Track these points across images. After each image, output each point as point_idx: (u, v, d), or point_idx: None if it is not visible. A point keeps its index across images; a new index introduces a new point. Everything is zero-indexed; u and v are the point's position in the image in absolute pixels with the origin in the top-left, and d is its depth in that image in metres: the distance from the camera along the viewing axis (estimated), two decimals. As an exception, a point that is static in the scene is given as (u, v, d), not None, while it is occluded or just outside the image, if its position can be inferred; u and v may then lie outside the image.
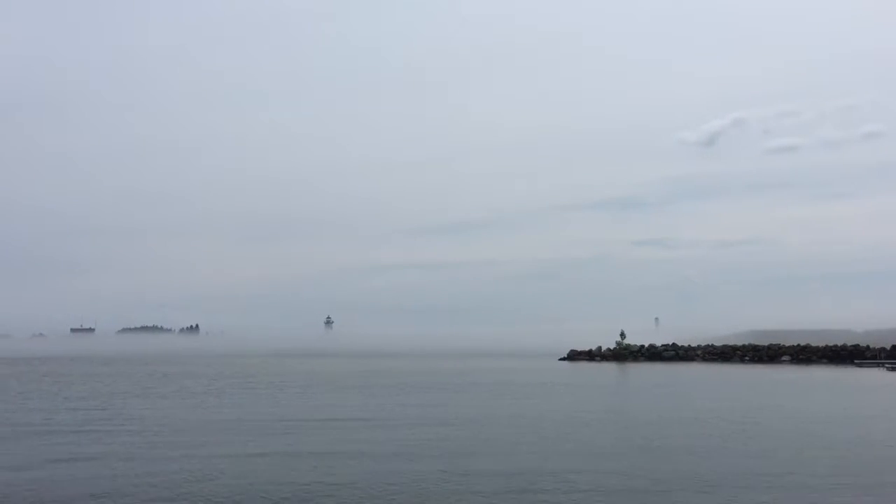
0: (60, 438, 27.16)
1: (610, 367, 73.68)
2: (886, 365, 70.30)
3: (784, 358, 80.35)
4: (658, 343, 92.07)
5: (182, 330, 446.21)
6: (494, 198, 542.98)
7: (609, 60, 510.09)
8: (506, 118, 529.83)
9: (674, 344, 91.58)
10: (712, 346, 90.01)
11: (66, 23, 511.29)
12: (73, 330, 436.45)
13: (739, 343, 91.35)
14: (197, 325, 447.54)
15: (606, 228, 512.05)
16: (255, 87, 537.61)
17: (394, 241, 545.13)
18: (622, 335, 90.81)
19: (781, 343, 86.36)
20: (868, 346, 79.05)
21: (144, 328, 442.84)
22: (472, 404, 37.90)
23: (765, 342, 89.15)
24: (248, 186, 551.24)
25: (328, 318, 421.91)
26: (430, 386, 50.45)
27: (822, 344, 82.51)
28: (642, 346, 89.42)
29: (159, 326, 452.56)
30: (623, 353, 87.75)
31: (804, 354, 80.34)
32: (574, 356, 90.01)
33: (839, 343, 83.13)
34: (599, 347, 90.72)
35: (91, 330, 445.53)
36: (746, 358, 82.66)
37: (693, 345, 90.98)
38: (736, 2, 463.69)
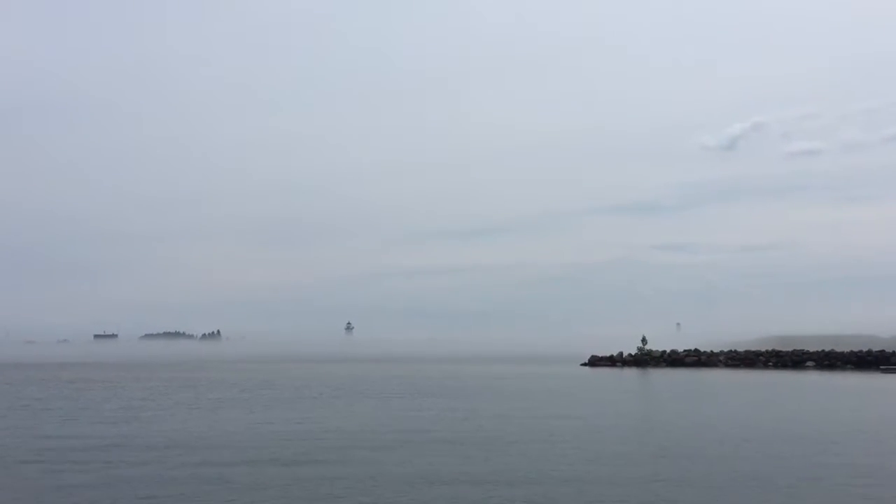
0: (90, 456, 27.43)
1: (631, 373, 73.33)
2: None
3: (808, 363, 79.48)
4: (680, 348, 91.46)
5: (203, 335, 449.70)
6: (516, 202, 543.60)
7: (630, 65, 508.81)
8: (528, 122, 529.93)
9: (696, 349, 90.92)
10: (735, 351, 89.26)
11: (82, 32, 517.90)
12: (96, 336, 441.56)
13: (762, 349, 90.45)
14: (218, 331, 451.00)
15: (628, 232, 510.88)
16: (272, 93, 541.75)
17: (416, 245, 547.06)
18: (643, 340, 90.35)
19: (805, 348, 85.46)
20: (894, 352, 77.99)
21: (167, 334, 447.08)
22: (494, 410, 37.83)
23: (788, 348, 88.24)
24: (272, 192, 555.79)
25: (348, 323, 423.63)
26: (461, 390, 50.49)
27: (846, 349, 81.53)
28: (664, 352, 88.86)
29: (181, 332, 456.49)
30: (644, 359, 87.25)
31: (829, 360, 79.40)
32: (595, 362, 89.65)
33: (864, 349, 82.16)
34: (621, 353, 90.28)
35: (114, 336, 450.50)
36: (770, 364, 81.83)
37: (715, 350, 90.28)
38: (756, 5, 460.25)
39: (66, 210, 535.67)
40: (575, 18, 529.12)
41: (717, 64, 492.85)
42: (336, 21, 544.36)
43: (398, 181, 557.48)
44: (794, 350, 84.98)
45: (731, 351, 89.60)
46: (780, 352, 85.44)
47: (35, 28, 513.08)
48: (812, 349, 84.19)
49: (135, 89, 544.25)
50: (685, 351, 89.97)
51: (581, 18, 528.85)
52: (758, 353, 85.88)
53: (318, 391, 51.12)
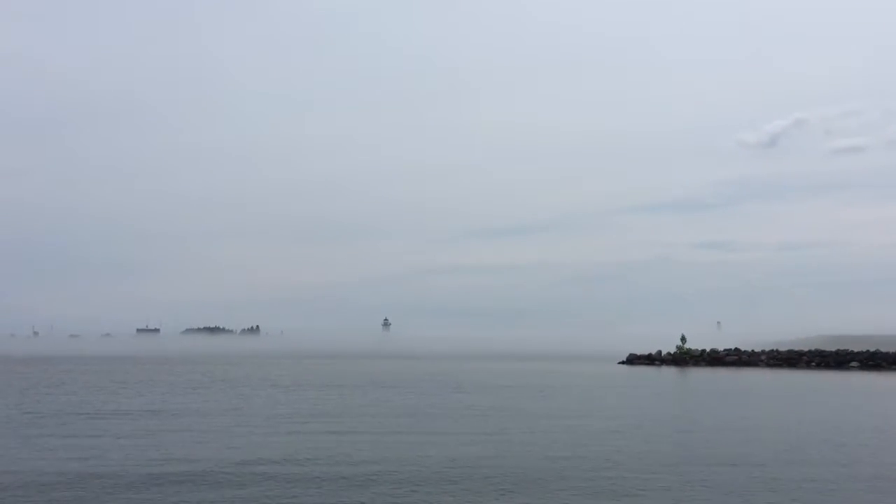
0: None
1: (670, 372, 72.76)
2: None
3: (853, 364, 78.03)
4: (720, 347, 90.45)
5: (243, 331, 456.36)
6: (555, 200, 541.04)
7: (668, 61, 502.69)
8: (566, 120, 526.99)
9: (736, 349, 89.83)
10: (777, 351, 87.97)
11: (129, 37, 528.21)
12: (139, 330, 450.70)
13: (805, 348, 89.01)
14: (257, 326, 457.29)
15: (667, 231, 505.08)
16: (311, 93, 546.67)
17: (453, 243, 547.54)
18: (683, 339, 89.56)
19: (850, 348, 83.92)
20: (942, 353, 76.24)
21: (207, 328, 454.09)
22: (534, 408, 37.99)
23: (832, 347, 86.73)
24: (313, 191, 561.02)
25: (385, 319, 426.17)
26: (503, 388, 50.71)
27: (892, 350, 79.84)
28: (703, 351, 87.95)
29: (221, 327, 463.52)
30: (684, 358, 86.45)
31: (874, 360, 77.85)
32: (633, 360, 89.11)
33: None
34: (659, 351, 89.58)
35: (156, 330, 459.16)
36: (813, 364, 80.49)
37: (756, 350, 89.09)
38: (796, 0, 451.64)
39: (111, 211, 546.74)
40: (612, 16, 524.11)
41: (756, 60, 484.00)
42: (370, 23, 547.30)
43: (438, 180, 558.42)
44: (838, 350, 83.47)
45: (772, 350, 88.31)
46: (824, 351, 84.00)
47: (70, 34, 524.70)
48: (856, 349, 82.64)
49: (177, 93, 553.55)
50: (725, 350, 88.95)
51: (618, 16, 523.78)
52: (800, 353, 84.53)
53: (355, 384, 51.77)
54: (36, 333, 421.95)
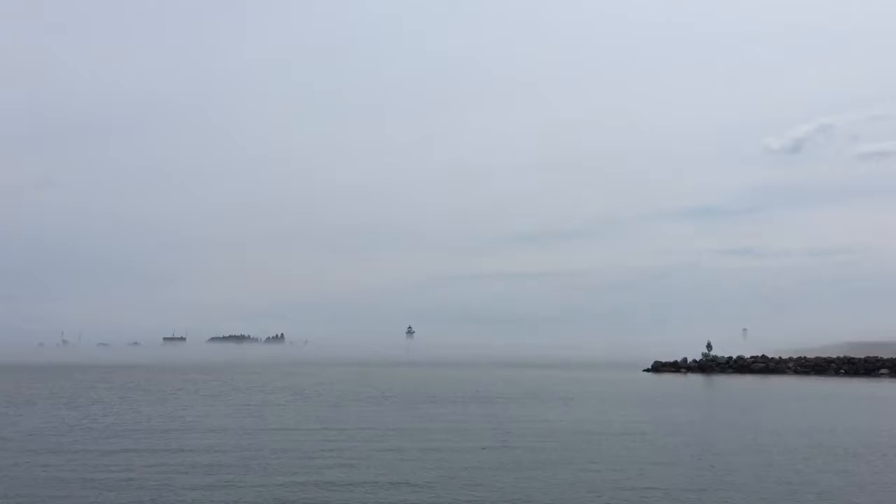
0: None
1: (696, 379, 72.30)
2: None
3: (882, 371, 77.08)
4: (747, 354, 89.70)
5: (268, 339, 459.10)
6: (579, 207, 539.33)
7: (692, 67, 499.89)
8: (590, 126, 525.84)
9: (763, 356, 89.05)
10: (804, 358, 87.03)
11: (164, 44, 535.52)
12: (165, 339, 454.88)
13: (833, 355, 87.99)
14: (282, 335, 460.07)
15: (692, 237, 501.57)
16: (343, 100, 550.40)
17: (478, 250, 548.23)
18: (709, 346, 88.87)
19: (878, 355, 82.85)
20: (974, 360, 75.07)
21: (232, 337, 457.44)
22: (562, 416, 38.06)
23: (860, 354, 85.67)
24: (338, 199, 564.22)
25: (409, 327, 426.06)
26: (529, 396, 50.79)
27: (923, 357, 78.79)
28: (730, 358, 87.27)
29: (246, 335, 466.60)
30: (710, 365, 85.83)
31: (904, 367, 76.83)
32: (659, 367, 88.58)
33: (942, 356, 79.23)
34: (685, 359, 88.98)
35: (182, 339, 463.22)
36: (842, 371, 79.60)
37: (784, 357, 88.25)
38: (820, 3, 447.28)
39: (137, 218, 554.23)
40: (637, 23, 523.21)
41: (780, 65, 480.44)
42: (410, 28, 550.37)
43: (463, 188, 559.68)
44: (867, 357, 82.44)
45: (800, 357, 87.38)
46: (853, 359, 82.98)
47: (114, 42, 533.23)
48: (886, 356, 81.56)
49: (209, 99, 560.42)
50: (752, 357, 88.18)
51: (641, 23, 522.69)
52: (828, 360, 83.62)
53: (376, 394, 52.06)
54: (65, 342, 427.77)
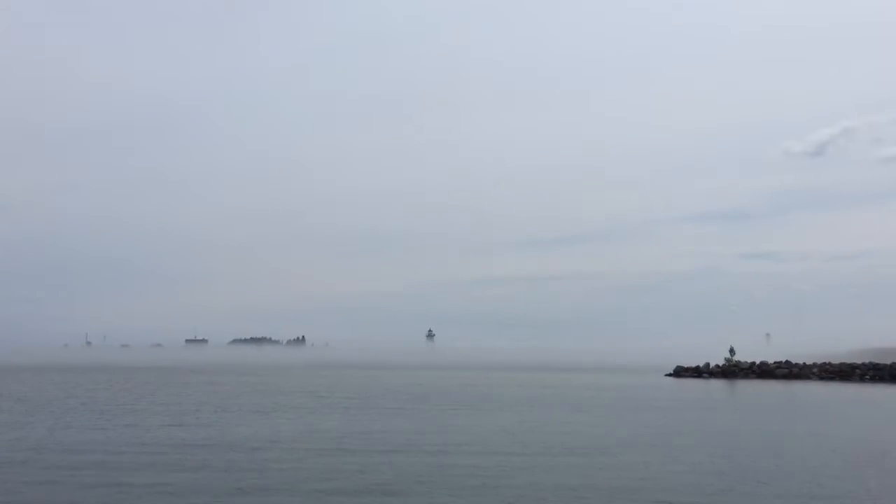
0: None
1: (718, 385, 72.00)
2: None
3: (909, 377, 76.26)
4: (770, 360, 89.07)
5: (289, 341, 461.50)
6: (599, 210, 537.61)
7: (713, 69, 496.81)
8: (610, 128, 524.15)
9: (787, 361, 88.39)
10: (829, 363, 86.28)
11: (177, 52, 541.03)
12: (187, 341, 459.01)
13: (858, 361, 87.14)
14: (303, 337, 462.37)
15: (713, 241, 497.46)
16: (361, 103, 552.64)
17: (498, 253, 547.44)
18: (731, 351, 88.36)
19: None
20: None
21: (253, 339, 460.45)
22: (593, 422, 38.20)
23: (886, 360, 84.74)
24: (358, 202, 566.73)
25: (430, 330, 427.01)
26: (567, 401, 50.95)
27: (950, 363, 77.84)
28: (753, 363, 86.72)
29: (267, 338, 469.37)
30: (733, 370, 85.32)
31: (931, 374, 75.98)
32: (680, 372, 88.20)
33: (970, 362, 78.26)
34: (707, 364, 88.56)
35: (204, 341, 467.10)
36: (867, 377, 78.86)
37: (808, 362, 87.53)
38: (841, 4, 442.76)
39: (160, 221, 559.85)
40: (653, 26, 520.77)
41: (800, 67, 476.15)
42: (427, 29, 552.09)
43: (483, 190, 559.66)
44: (893, 363, 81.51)
45: (824, 363, 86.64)
46: (878, 364, 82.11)
47: (130, 47, 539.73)
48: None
49: (224, 105, 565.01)
50: (776, 362, 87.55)
51: (660, 25, 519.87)
52: (853, 366, 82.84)
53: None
54: (88, 343, 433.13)
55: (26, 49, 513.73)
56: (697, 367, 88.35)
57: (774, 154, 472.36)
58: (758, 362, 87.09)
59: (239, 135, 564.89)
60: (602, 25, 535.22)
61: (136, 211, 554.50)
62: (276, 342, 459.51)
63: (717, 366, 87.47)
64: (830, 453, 26.82)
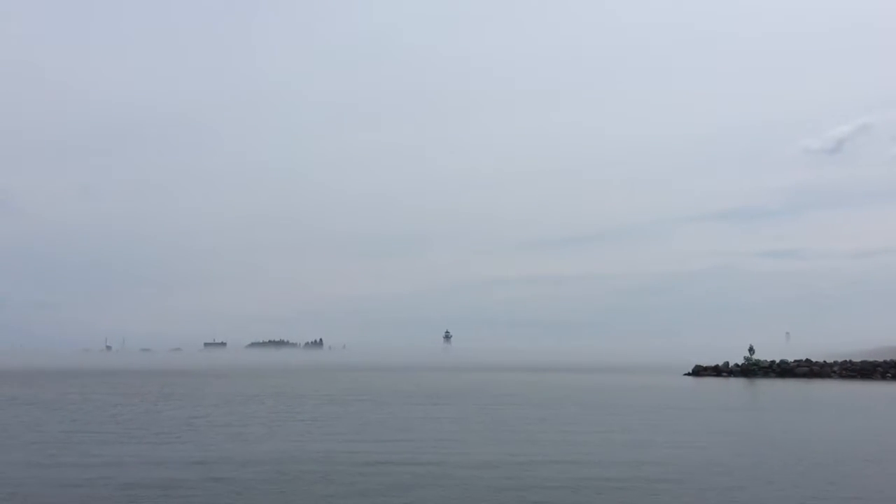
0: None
1: (738, 384, 72.05)
2: None
3: (930, 375, 76.09)
4: (790, 358, 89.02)
5: (306, 344, 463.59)
6: (615, 209, 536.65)
7: (729, 68, 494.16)
8: (626, 128, 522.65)
9: (807, 360, 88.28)
10: (850, 361, 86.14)
11: (179, 59, 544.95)
12: (206, 344, 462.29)
13: (879, 359, 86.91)
14: (321, 340, 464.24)
15: (730, 239, 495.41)
16: (373, 106, 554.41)
17: (513, 255, 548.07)
18: (751, 350, 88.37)
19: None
20: None
21: (271, 342, 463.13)
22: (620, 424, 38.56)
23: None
24: (373, 204, 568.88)
25: (447, 332, 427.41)
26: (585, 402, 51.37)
27: (973, 360, 77.54)
28: (773, 362, 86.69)
29: (285, 341, 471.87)
30: (752, 369, 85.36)
31: (953, 371, 75.74)
32: (699, 372, 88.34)
33: None
34: (726, 363, 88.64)
35: (223, 344, 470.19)
36: (889, 375, 78.73)
37: (828, 360, 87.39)
38: (858, 3, 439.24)
39: (179, 227, 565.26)
40: (677, 26, 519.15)
41: (817, 64, 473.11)
42: (416, 35, 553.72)
43: (498, 191, 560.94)
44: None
45: (845, 361, 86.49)
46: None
47: (135, 55, 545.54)
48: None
49: (234, 113, 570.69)
50: (796, 361, 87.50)
51: (676, 23, 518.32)
52: (875, 364, 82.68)
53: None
54: (109, 348, 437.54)
55: (36, 53, 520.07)
56: (717, 367, 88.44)
57: (792, 151, 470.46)
58: (778, 361, 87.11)
59: (250, 142, 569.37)
60: (622, 25, 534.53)
61: (154, 216, 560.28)
62: (294, 345, 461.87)
63: (737, 365, 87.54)
64: (849, 453, 27.14)
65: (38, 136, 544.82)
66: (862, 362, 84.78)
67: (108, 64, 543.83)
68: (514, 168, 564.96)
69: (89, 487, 20.30)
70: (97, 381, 78.43)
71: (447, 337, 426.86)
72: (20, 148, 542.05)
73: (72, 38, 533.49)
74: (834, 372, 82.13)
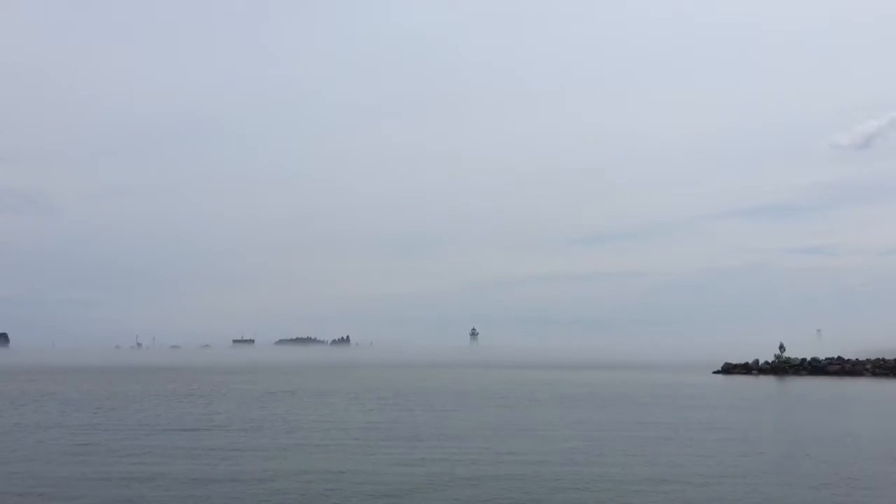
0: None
1: (769, 382, 71.23)
2: None
3: (966, 373, 74.51)
4: (821, 356, 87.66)
5: (334, 341, 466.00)
6: (644, 207, 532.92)
7: (756, 65, 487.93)
8: (654, 125, 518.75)
9: (839, 357, 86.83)
10: (883, 359, 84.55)
11: (203, 61, 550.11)
12: (234, 341, 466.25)
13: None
14: (348, 337, 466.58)
15: (760, 236, 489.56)
16: (394, 106, 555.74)
17: (542, 252, 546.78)
18: (781, 347, 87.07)
19: (962, 356, 79.99)
20: None
21: (299, 339, 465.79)
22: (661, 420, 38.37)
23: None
24: (400, 203, 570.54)
25: (473, 329, 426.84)
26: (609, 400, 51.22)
27: None
28: (804, 360, 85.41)
29: (313, 338, 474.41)
30: (783, 367, 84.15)
31: None
32: (729, 369, 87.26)
33: None
34: (757, 360, 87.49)
35: (251, 341, 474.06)
36: (923, 373, 77.19)
37: (861, 358, 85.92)
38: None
39: (208, 225, 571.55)
40: (698, 24, 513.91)
41: (846, 59, 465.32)
42: (451, 36, 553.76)
43: (527, 189, 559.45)
44: (951, 358, 79.75)
45: (878, 359, 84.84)
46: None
47: (160, 56, 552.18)
48: (970, 357, 78.80)
49: (265, 115, 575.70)
50: (827, 359, 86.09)
51: (704, 24, 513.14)
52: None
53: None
54: (139, 344, 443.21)
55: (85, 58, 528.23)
56: (746, 364, 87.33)
57: (821, 147, 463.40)
58: (809, 359, 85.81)
59: (278, 142, 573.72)
60: (645, 23, 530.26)
61: (184, 215, 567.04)
62: (321, 342, 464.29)
63: (767, 362, 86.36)
64: (882, 453, 26.75)
65: (70, 137, 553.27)
66: (895, 360, 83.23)
67: (133, 67, 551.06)
68: (541, 167, 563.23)
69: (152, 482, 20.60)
70: (158, 378, 79.53)
71: (474, 334, 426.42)
72: (53, 151, 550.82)
73: (93, 42, 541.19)
74: (866, 370, 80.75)
